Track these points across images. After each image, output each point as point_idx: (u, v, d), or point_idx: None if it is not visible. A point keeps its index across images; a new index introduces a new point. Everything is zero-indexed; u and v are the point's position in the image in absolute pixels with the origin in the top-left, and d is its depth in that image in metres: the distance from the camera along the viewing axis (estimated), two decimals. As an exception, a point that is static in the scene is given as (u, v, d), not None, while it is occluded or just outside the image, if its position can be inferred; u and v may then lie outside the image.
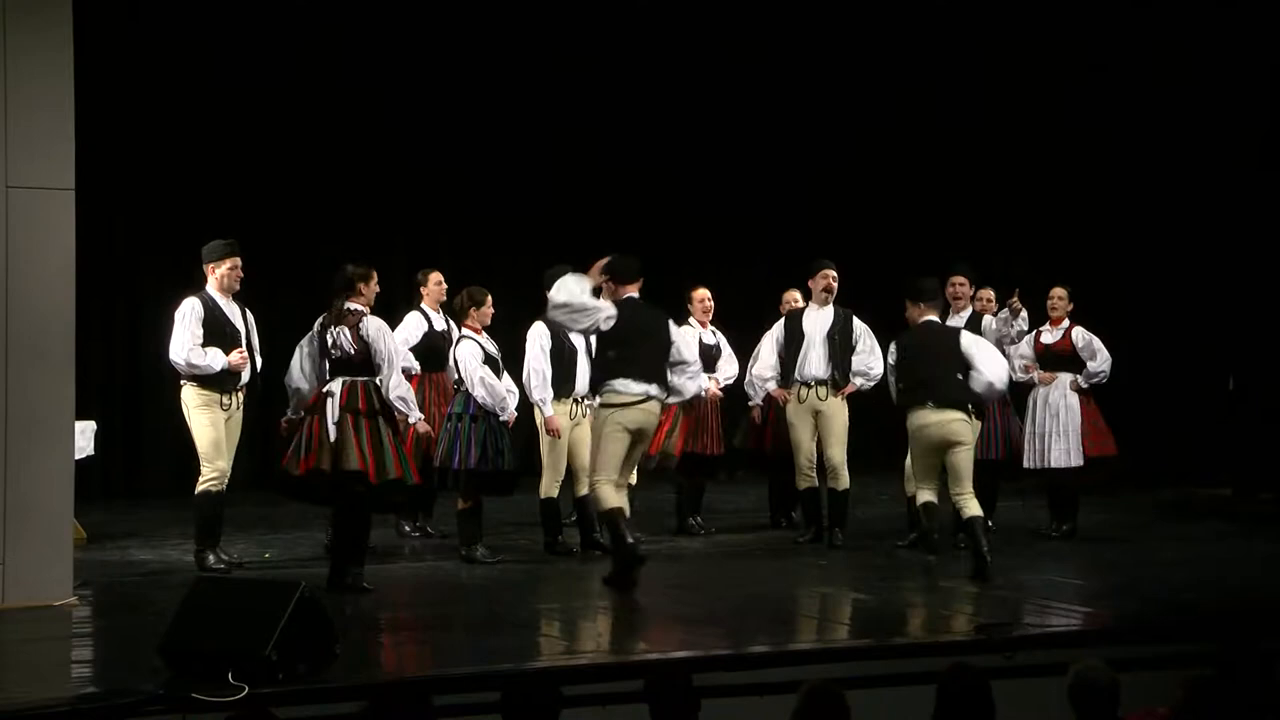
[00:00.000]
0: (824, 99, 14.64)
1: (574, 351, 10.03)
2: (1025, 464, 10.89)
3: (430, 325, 10.67)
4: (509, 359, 10.17)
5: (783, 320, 10.86)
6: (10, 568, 8.17)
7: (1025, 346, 10.97)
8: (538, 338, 9.98)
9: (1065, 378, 10.90)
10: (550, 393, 9.92)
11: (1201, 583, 9.24)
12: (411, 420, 9.18)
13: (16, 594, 8.15)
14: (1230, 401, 14.06)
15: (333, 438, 8.56)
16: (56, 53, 8.32)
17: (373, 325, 8.77)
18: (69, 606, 8.23)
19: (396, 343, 9.02)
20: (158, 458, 13.00)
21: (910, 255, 13.96)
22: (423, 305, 10.79)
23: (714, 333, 11.12)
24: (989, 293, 10.88)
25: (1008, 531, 11.03)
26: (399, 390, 8.83)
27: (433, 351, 10.48)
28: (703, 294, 11.08)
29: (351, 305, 8.81)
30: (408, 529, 10.85)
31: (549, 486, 10.08)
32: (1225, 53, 13.72)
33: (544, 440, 10.07)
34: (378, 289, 9.01)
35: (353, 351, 8.69)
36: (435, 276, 10.85)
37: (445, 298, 10.74)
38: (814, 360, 10.56)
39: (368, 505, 8.78)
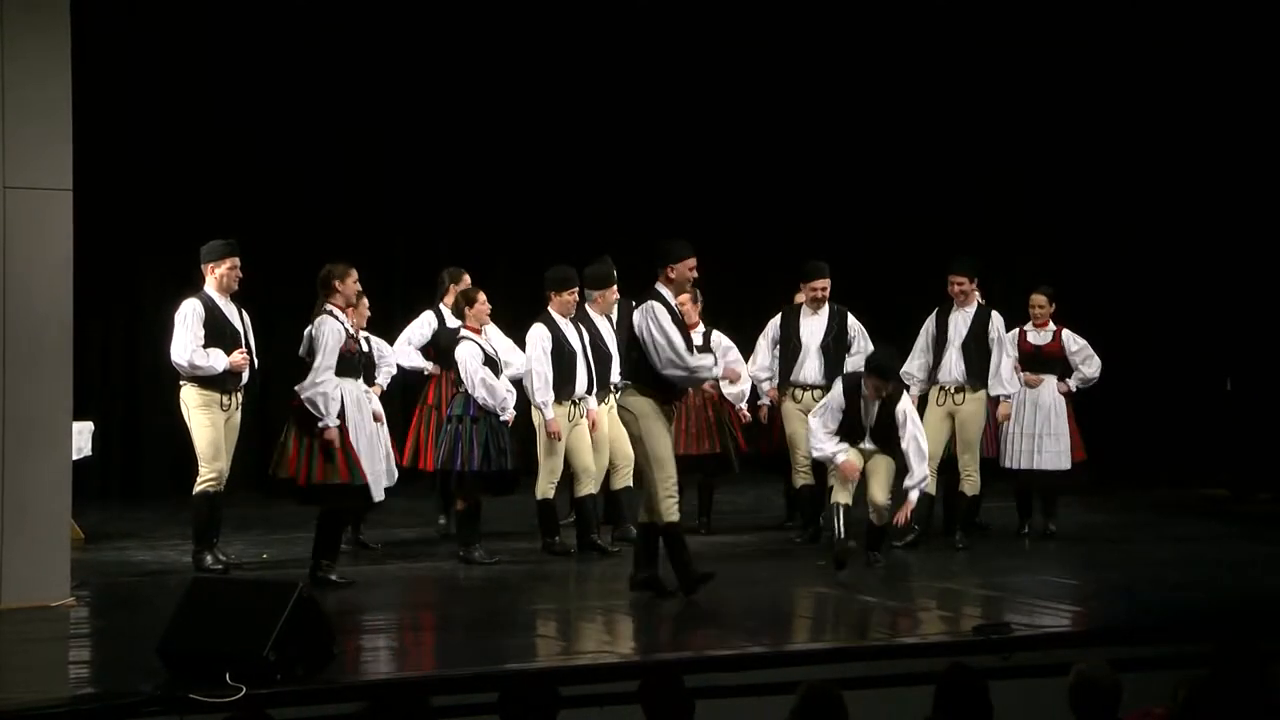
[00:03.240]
0: (821, 98, 14.63)
1: (574, 354, 10.00)
2: (1007, 464, 10.81)
3: (442, 323, 10.63)
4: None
5: (778, 318, 10.84)
6: (8, 568, 8.17)
7: (1010, 347, 10.85)
8: (538, 340, 9.96)
9: (1052, 380, 10.85)
10: (552, 395, 9.90)
11: (1199, 583, 9.25)
12: (320, 425, 8.73)
13: (14, 594, 8.15)
14: (1228, 402, 14.05)
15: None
16: (55, 53, 8.33)
17: (316, 324, 8.87)
18: (67, 607, 8.24)
19: (331, 344, 8.80)
20: (156, 458, 12.96)
21: (909, 255, 13.99)
22: (440, 305, 10.73)
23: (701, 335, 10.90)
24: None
25: (1005, 532, 11.02)
26: (306, 392, 8.77)
27: (444, 351, 10.41)
28: (683, 298, 10.94)
29: (328, 305, 8.93)
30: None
31: (545, 487, 10.06)
32: (1224, 49, 13.70)
33: (541, 441, 10.06)
34: (357, 286, 9.14)
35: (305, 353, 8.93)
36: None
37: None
38: (810, 369, 10.60)
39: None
